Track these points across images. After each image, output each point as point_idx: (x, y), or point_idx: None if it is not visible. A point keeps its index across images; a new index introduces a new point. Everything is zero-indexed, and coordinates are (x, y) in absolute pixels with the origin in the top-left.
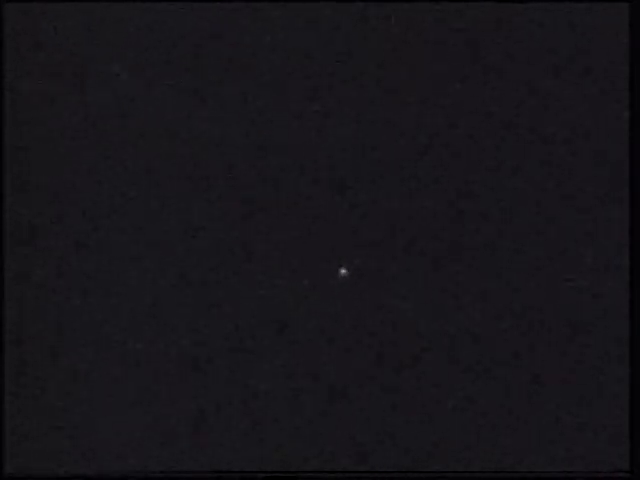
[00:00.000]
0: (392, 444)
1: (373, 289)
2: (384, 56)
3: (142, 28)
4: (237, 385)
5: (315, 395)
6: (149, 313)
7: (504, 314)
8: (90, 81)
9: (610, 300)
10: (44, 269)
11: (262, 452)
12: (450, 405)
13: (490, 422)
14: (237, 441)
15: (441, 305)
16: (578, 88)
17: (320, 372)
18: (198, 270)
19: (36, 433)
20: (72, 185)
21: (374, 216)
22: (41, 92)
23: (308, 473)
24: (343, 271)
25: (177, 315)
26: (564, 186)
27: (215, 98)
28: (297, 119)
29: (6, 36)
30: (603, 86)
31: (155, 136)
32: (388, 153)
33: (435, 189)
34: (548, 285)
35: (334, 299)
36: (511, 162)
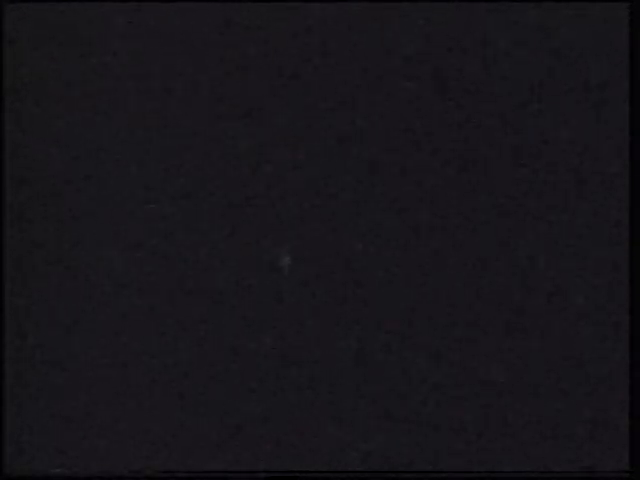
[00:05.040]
0: (392, 444)
1: (370, 291)
2: (384, 58)
3: (143, 28)
4: (237, 385)
5: (315, 395)
6: (150, 313)
7: (504, 313)
8: (90, 80)
9: (610, 300)
10: (45, 269)
11: (262, 452)
12: (449, 405)
13: (490, 422)
14: (237, 441)
15: (439, 305)
16: (578, 88)
17: (321, 372)
18: (196, 274)
19: (36, 433)
20: (73, 185)
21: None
22: (41, 92)
23: (308, 473)
24: (287, 259)
25: (178, 315)
26: (563, 186)
27: (215, 102)
28: (292, 120)
29: (6, 36)
30: (603, 86)
31: (155, 134)
32: (387, 151)
33: (433, 185)
34: (548, 284)
35: (340, 306)
36: (510, 161)
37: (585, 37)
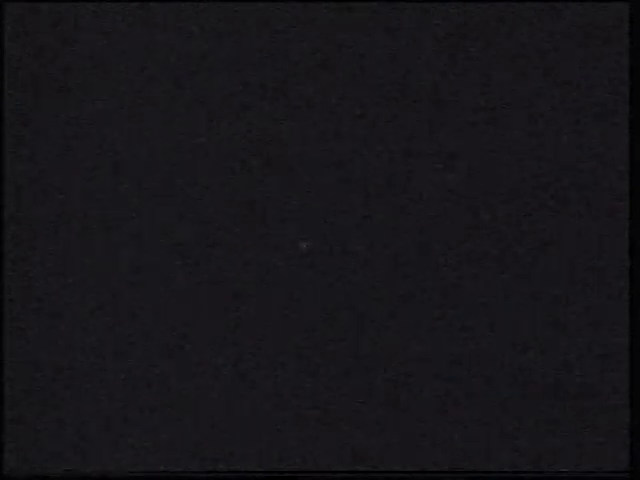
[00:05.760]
0: (392, 444)
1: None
2: (385, 59)
3: (142, 28)
4: (237, 385)
5: (315, 395)
6: (151, 313)
7: (505, 313)
8: (90, 80)
9: (610, 300)
10: (44, 267)
11: (262, 452)
12: (449, 405)
13: (490, 422)
14: (237, 441)
15: (440, 308)
16: (578, 88)
17: (321, 372)
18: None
19: (36, 433)
20: (72, 184)
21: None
22: (41, 92)
23: (308, 473)
24: (304, 245)
25: (179, 315)
26: (562, 186)
27: (215, 104)
28: (288, 118)
29: (6, 36)
30: (603, 86)
31: (156, 131)
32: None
33: (432, 183)
34: (549, 285)
35: (346, 310)
36: (509, 159)
37: (585, 37)
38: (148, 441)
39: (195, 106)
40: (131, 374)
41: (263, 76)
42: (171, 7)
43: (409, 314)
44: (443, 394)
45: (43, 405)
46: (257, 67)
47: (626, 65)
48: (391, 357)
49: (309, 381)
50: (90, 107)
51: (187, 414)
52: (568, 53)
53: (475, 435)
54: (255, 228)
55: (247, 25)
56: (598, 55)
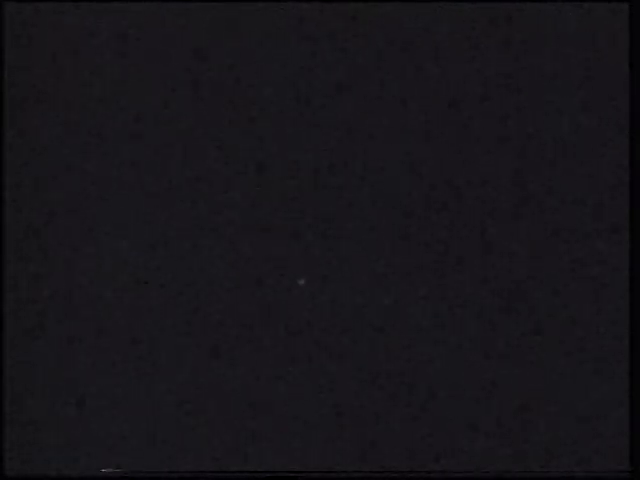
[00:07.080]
0: (392, 444)
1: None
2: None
3: (141, 28)
4: (237, 385)
5: (315, 395)
6: (152, 312)
7: (503, 313)
8: (90, 80)
9: (610, 300)
10: (44, 266)
11: (262, 452)
12: (449, 406)
13: (490, 422)
14: (237, 441)
15: (439, 309)
16: (578, 88)
17: (321, 372)
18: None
19: (36, 433)
20: (73, 184)
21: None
22: (41, 92)
23: (308, 473)
24: (302, 282)
25: (179, 317)
26: (563, 185)
27: (214, 102)
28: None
29: (6, 36)
30: (603, 86)
31: (153, 133)
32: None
33: (425, 180)
34: (548, 285)
35: (338, 302)
36: (510, 160)
37: (585, 37)
38: (149, 441)
39: (194, 104)
40: (131, 374)
41: (261, 84)
42: (173, 7)
43: (408, 313)
44: (443, 395)
45: (43, 405)
46: (257, 72)
47: (626, 65)
48: (391, 357)
49: (309, 381)
50: (90, 107)
51: (187, 414)
52: (568, 53)
53: (475, 435)
54: (257, 254)
55: (248, 26)
56: (598, 55)
